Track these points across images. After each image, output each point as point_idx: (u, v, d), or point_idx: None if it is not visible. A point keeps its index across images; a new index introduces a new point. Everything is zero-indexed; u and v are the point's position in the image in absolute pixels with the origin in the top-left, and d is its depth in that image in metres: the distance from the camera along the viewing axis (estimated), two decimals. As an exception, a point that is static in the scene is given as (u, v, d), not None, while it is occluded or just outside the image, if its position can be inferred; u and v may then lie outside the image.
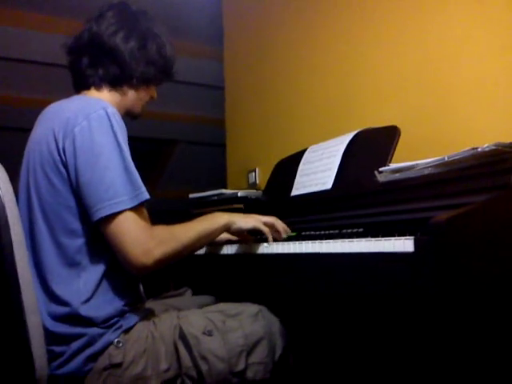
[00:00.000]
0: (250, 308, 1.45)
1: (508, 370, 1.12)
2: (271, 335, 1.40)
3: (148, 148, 3.02)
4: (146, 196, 1.28)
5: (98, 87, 1.45)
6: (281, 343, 1.42)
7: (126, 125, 1.33)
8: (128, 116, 1.53)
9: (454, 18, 1.80)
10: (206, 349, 1.31)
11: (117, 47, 1.43)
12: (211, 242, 1.53)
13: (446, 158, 1.25)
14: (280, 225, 1.56)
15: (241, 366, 1.32)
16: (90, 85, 1.45)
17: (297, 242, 1.43)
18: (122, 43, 1.43)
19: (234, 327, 1.37)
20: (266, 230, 1.52)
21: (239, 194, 2.24)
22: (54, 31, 2.55)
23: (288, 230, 1.58)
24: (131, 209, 1.24)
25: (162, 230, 1.31)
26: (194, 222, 1.43)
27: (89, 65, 1.45)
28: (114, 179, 1.24)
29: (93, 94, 1.45)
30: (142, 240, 1.24)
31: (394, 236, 1.15)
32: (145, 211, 1.29)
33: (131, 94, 1.49)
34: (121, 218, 1.23)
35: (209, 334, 1.33)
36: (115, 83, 1.46)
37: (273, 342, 1.40)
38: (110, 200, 1.22)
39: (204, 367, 1.29)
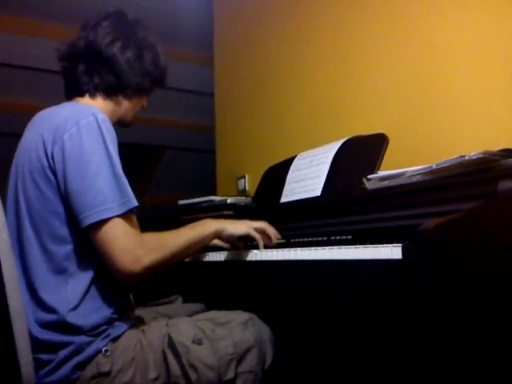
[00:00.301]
0: (240, 316, 1.44)
1: (497, 376, 1.12)
2: (261, 343, 1.40)
3: (137, 154, 3.02)
4: (135, 203, 1.27)
5: (93, 95, 1.45)
6: (271, 351, 1.41)
7: (116, 131, 1.33)
8: (119, 124, 1.53)
9: (441, 27, 1.82)
10: (196, 357, 1.30)
11: (114, 57, 1.43)
12: (202, 248, 1.52)
13: (434, 166, 1.26)
14: (271, 230, 1.56)
15: (230, 375, 1.31)
16: (85, 92, 1.45)
17: (286, 250, 1.43)
18: (120, 53, 1.44)
19: (223, 335, 1.36)
20: (257, 236, 1.52)
21: (228, 201, 2.23)
22: (47, 37, 2.54)
23: (278, 235, 1.58)
24: (120, 216, 1.23)
25: (152, 238, 1.30)
26: (183, 229, 1.43)
27: (84, 72, 1.44)
28: (103, 186, 1.23)
29: (86, 101, 1.44)
30: (131, 247, 1.23)
31: (383, 243, 1.16)
32: (134, 218, 1.29)
33: (125, 104, 1.50)
34: (109, 224, 1.22)
35: (198, 342, 1.32)
36: (110, 92, 1.46)
37: (263, 350, 1.40)
38: (98, 207, 1.22)
39: (193, 376, 1.28)
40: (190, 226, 1.46)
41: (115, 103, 1.48)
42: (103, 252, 1.23)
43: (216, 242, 1.63)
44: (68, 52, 1.47)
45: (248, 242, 1.64)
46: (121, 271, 1.23)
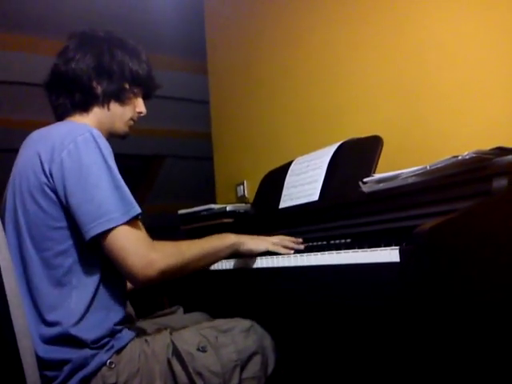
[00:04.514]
0: (242, 323, 1.45)
1: (497, 377, 1.13)
2: (263, 350, 1.41)
3: (136, 164, 3.03)
4: (138, 210, 1.28)
5: (71, 115, 1.45)
6: (273, 357, 1.43)
7: (112, 143, 1.34)
8: (114, 137, 1.52)
9: (431, 29, 1.83)
10: (201, 365, 1.31)
11: (73, 72, 1.43)
12: (217, 261, 1.51)
13: (428, 167, 1.27)
14: (289, 242, 1.54)
15: (235, 381, 1.33)
16: (65, 115, 1.46)
17: (285, 256, 1.44)
18: (77, 67, 1.43)
19: (226, 343, 1.37)
20: (276, 248, 1.50)
21: (228, 209, 2.24)
22: (37, 52, 2.56)
23: (299, 240, 1.55)
24: (125, 224, 1.24)
25: (166, 244, 1.32)
26: (199, 241, 1.43)
27: (57, 98, 1.46)
28: (105, 197, 1.24)
29: (74, 119, 1.45)
30: (143, 252, 1.24)
31: (381, 246, 1.17)
32: (141, 225, 1.29)
33: (105, 114, 1.47)
34: (117, 233, 1.23)
35: (203, 350, 1.33)
36: (84, 107, 1.45)
37: (265, 356, 1.41)
38: (101, 218, 1.23)
39: (200, 383, 1.29)
40: (208, 237, 1.45)
41: (96, 116, 1.46)
42: (116, 259, 1.24)
43: None
44: (45, 84, 1.48)
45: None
46: (136, 275, 1.24)
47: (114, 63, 1.46)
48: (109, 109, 1.47)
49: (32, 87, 2.52)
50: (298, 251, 1.48)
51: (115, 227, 1.23)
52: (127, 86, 1.49)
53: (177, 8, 3.06)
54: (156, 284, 1.30)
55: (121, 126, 1.51)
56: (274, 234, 1.59)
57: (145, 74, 1.52)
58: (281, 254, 1.49)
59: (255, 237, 1.54)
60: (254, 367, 1.37)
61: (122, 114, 1.50)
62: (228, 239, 1.47)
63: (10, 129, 2.49)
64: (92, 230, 1.22)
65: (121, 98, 1.48)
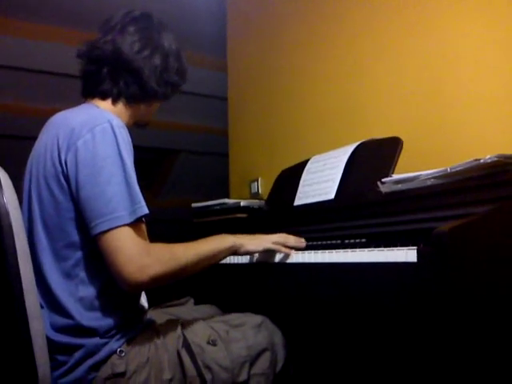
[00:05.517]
0: (253, 319, 1.44)
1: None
2: (273, 346, 1.41)
3: (151, 157, 3.04)
4: (145, 210, 1.25)
5: (115, 101, 1.43)
6: (282, 354, 1.42)
7: (130, 134, 1.33)
8: (137, 125, 1.53)
9: (454, 30, 1.82)
10: (210, 358, 1.31)
11: (141, 68, 1.42)
12: (216, 263, 1.45)
13: (449, 170, 1.26)
14: (291, 240, 1.52)
15: (243, 377, 1.32)
16: (107, 96, 1.43)
17: (299, 252, 1.44)
18: (146, 63, 1.42)
19: (237, 338, 1.37)
20: (277, 247, 1.49)
21: (242, 204, 2.24)
22: (55, 40, 2.57)
23: (301, 240, 1.53)
24: (129, 224, 1.21)
25: (161, 248, 1.27)
26: (196, 243, 1.38)
27: (109, 77, 1.42)
28: (115, 194, 1.22)
29: (106, 105, 1.43)
30: (137, 256, 1.20)
31: (397, 246, 1.16)
32: (143, 227, 1.27)
33: (144, 109, 1.50)
34: (118, 233, 1.20)
35: (213, 343, 1.33)
36: (132, 100, 1.45)
37: (275, 353, 1.40)
38: (109, 215, 1.20)
39: (208, 376, 1.29)
40: (204, 239, 1.40)
41: (135, 109, 1.47)
42: (109, 260, 1.21)
43: None
44: (92, 54, 1.44)
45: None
46: (126, 280, 1.20)
47: (177, 72, 1.50)
48: (150, 105, 1.50)
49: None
50: (312, 248, 1.47)
51: (119, 226, 1.20)
52: (174, 91, 1.52)
53: (202, 5, 3.09)
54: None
55: (148, 118, 1.55)
56: (287, 232, 1.57)
57: (185, 81, 1.56)
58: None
59: (254, 236, 1.50)
60: (263, 364, 1.37)
61: (153, 109, 1.54)
62: (226, 241, 1.42)
63: (20, 116, 2.50)
64: (98, 227, 1.20)
65: (165, 99, 1.52)
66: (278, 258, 1.51)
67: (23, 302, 1.15)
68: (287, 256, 1.49)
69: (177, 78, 1.50)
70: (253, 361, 1.35)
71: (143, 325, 1.35)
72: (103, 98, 1.44)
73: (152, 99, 1.48)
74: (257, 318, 1.45)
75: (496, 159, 1.18)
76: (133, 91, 1.43)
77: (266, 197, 2.26)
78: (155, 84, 1.44)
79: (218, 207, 2.36)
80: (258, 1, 2.93)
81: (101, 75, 1.42)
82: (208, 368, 1.30)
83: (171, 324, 1.40)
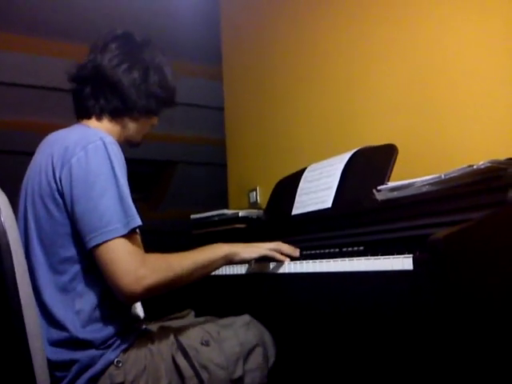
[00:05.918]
0: (242, 318, 1.50)
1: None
2: (264, 343, 1.46)
3: (149, 170, 3.04)
4: (138, 222, 1.27)
5: (99, 117, 1.46)
6: (273, 351, 1.48)
7: (125, 149, 1.35)
8: (128, 144, 1.54)
9: (447, 37, 1.83)
10: (206, 358, 1.35)
11: (119, 80, 1.44)
12: (211, 272, 1.47)
13: (443, 176, 1.26)
14: (285, 248, 1.54)
15: (239, 373, 1.37)
16: (91, 114, 1.47)
17: (298, 262, 1.44)
18: (125, 76, 1.45)
19: (228, 336, 1.42)
20: (272, 253, 1.50)
21: (240, 214, 2.25)
22: (48, 55, 2.59)
23: (295, 249, 1.55)
24: (123, 236, 1.23)
25: (156, 258, 1.29)
26: (191, 253, 1.39)
27: (90, 95, 1.46)
28: (108, 207, 1.25)
29: (93, 123, 1.46)
30: (133, 267, 1.22)
31: (394, 254, 1.16)
32: (138, 238, 1.29)
33: (131, 125, 1.51)
34: (113, 245, 1.22)
35: (206, 344, 1.37)
36: (116, 115, 1.47)
37: (266, 349, 1.45)
38: (103, 228, 1.23)
39: (205, 376, 1.33)
40: (200, 249, 1.42)
41: (122, 125, 1.49)
42: (106, 272, 1.23)
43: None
44: (76, 74, 1.49)
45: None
46: (122, 291, 1.22)
47: (160, 85, 1.51)
48: (137, 121, 1.51)
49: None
50: (310, 257, 1.48)
51: (114, 238, 1.22)
52: (160, 105, 1.54)
53: (194, 15, 3.09)
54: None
55: (139, 136, 1.56)
56: (285, 241, 1.58)
57: (174, 95, 1.58)
58: (276, 260, 1.51)
59: (249, 245, 1.52)
60: (256, 359, 1.42)
61: (143, 126, 1.55)
62: (221, 250, 1.44)
63: (24, 131, 2.51)
64: (93, 240, 1.23)
65: (152, 114, 1.54)
66: (276, 268, 1.51)
67: (22, 319, 1.15)
68: (284, 266, 1.50)
69: (159, 90, 1.51)
70: (246, 357, 1.40)
71: (138, 333, 1.37)
72: (88, 117, 1.47)
73: (135, 112, 1.49)
74: (245, 317, 1.50)
75: (489, 165, 1.18)
76: (114, 105, 1.46)
77: (264, 206, 2.27)
78: (135, 96, 1.46)
79: (217, 218, 2.37)
80: (251, 10, 2.94)
81: (83, 95, 1.47)
82: (204, 367, 1.34)
83: (164, 331, 1.43)
